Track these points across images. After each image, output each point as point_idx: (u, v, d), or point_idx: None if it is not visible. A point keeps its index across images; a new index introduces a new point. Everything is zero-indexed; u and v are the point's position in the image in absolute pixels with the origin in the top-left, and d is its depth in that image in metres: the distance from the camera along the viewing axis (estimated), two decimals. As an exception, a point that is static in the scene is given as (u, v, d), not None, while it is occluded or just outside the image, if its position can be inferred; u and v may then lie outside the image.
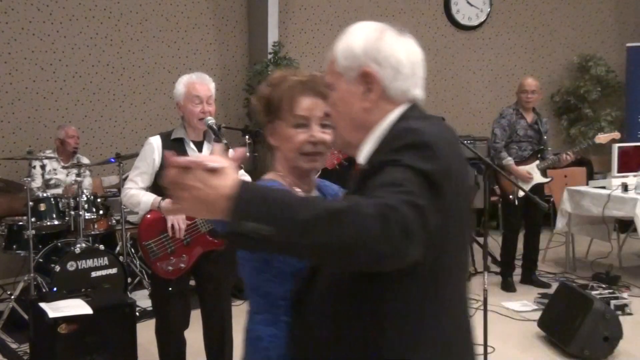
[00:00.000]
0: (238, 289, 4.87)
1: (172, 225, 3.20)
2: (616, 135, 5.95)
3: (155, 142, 3.34)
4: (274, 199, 1.19)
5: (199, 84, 3.36)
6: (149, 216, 3.27)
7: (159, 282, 3.36)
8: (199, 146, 3.38)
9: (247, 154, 3.32)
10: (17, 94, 6.29)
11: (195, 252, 3.30)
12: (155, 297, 3.65)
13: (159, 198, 3.21)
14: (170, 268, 3.25)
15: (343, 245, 1.15)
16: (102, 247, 5.05)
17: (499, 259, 5.93)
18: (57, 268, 4.73)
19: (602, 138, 5.81)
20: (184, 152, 3.28)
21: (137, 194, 3.27)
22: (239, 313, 3.66)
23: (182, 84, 3.39)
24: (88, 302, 3.72)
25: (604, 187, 5.76)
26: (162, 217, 3.23)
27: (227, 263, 3.55)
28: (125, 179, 5.66)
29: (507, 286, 5.65)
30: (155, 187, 3.30)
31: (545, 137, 5.75)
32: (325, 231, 1.15)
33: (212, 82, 3.46)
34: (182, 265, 3.27)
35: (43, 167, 5.69)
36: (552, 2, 8.80)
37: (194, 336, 3.62)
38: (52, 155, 5.69)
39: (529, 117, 5.73)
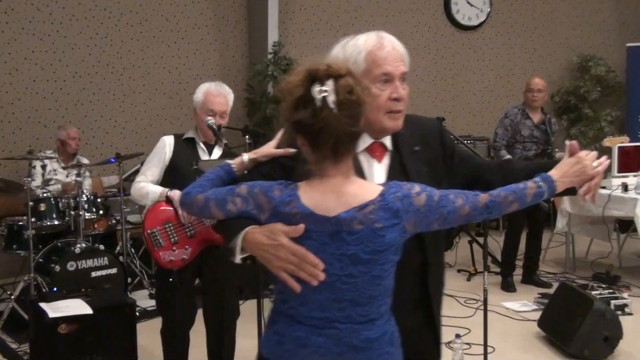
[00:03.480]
0: (239, 289, 4.87)
1: (182, 212, 3.27)
2: (625, 139, 5.99)
3: (168, 140, 3.47)
4: None
5: (216, 97, 3.41)
6: (155, 206, 3.33)
7: (163, 275, 3.39)
8: (210, 148, 3.47)
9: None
10: (17, 94, 6.29)
11: (199, 244, 3.33)
12: (159, 294, 3.66)
13: (167, 189, 3.31)
14: (172, 258, 3.28)
15: None
16: (102, 247, 5.05)
17: (499, 259, 5.94)
18: (57, 268, 4.73)
19: (610, 141, 5.85)
20: (194, 152, 3.42)
21: (146, 185, 3.38)
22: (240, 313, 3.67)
23: (202, 92, 3.45)
24: (88, 302, 3.72)
25: (604, 187, 5.76)
26: (168, 208, 3.30)
27: (231, 261, 3.56)
28: (125, 179, 5.69)
29: (507, 286, 5.65)
30: (164, 181, 3.40)
31: (553, 138, 5.76)
32: None
33: (231, 93, 3.51)
34: (185, 257, 3.29)
35: (43, 167, 5.69)
36: (552, 2, 8.80)
37: (200, 335, 3.62)
38: (52, 155, 5.69)
39: (536, 117, 5.73)
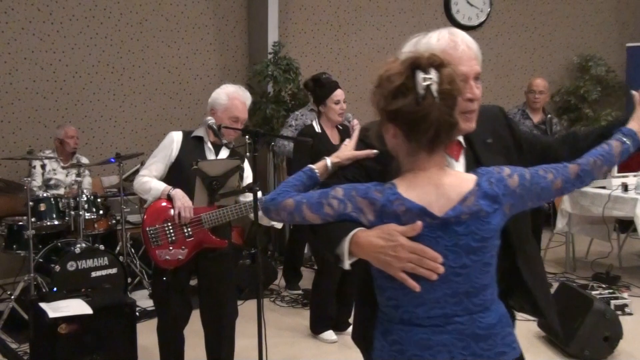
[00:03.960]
0: (239, 289, 4.87)
1: (179, 213, 3.25)
2: None
3: (175, 136, 3.44)
4: None
5: (241, 104, 3.43)
6: (156, 203, 3.32)
7: (158, 273, 3.40)
8: (217, 148, 3.45)
9: (247, 153, 3.35)
10: (17, 94, 6.29)
11: (196, 246, 3.33)
12: (155, 292, 3.67)
13: (169, 187, 3.31)
14: (168, 257, 3.28)
15: None
16: (102, 247, 5.05)
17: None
18: (57, 268, 4.74)
19: None
20: (201, 151, 3.40)
21: (149, 181, 3.36)
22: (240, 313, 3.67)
23: (226, 95, 3.42)
24: (88, 302, 3.72)
25: (604, 187, 5.76)
26: (169, 206, 3.30)
27: (229, 263, 3.57)
28: (125, 179, 5.69)
29: (507, 286, 5.63)
30: (168, 178, 3.39)
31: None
32: None
33: (250, 98, 3.52)
34: (180, 257, 3.29)
35: (43, 166, 5.69)
36: (552, 2, 8.80)
37: (198, 335, 3.62)
38: (52, 155, 5.69)
39: (536, 118, 5.74)
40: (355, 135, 1.88)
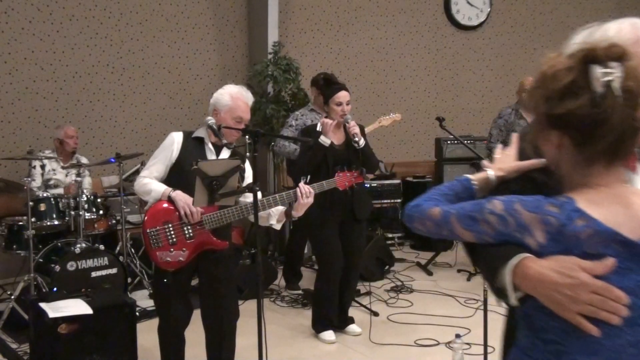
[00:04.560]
0: (239, 289, 4.87)
1: (185, 213, 3.25)
2: None
3: (176, 137, 3.43)
4: None
5: (245, 104, 3.44)
6: (157, 205, 3.32)
7: (159, 275, 3.40)
8: (218, 149, 3.45)
9: (247, 153, 3.35)
10: (17, 94, 6.29)
11: (197, 247, 3.32)
12: (156, 293, 3.68)
13: (170, 189, 3.30)
14: (168, 259, 3.27)
15: None
16: (102, 247, 5.05)
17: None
18: (57, 268, 4.74)
19: None
20: (202, 152, 3.39)
21: (150, 182, 3.35)
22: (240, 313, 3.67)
23: (229, 96, 3.42)
24: (88, 302, 3.72)
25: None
26: (170, 208, 3.29)
27: (229, 264, 3.56)
28: (125, 179, 5.69)
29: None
30: (169, 179, 3.38)
31: None
32: None
33: (252, 98, 3.52)
34: (181, 258, 3.29)
35: (43, 166, 5.69)
36: (552, 2, 8.81)
37: (198, 335, 3.62)
38: (52, 155, 5.69)
39: (530, 117, 5.74)
40: (514, 142, 1.63)
